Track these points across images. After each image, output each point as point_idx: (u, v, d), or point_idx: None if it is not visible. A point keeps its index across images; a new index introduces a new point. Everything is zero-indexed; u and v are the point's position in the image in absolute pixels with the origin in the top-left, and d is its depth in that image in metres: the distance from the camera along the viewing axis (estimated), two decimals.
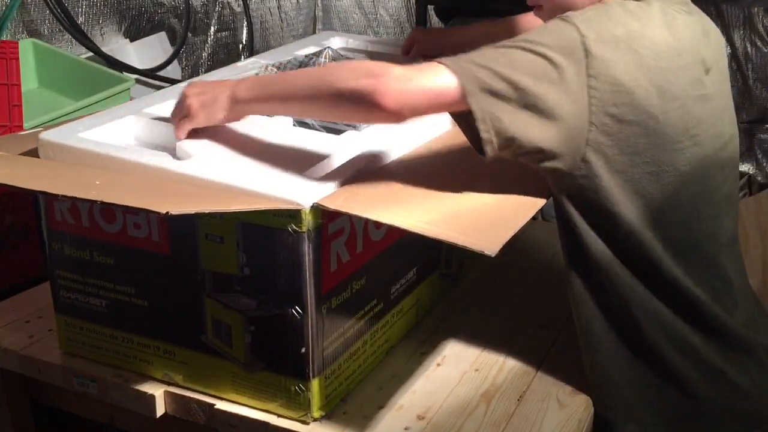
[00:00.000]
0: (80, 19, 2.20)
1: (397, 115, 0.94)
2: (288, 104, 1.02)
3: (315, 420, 1.04)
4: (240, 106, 1.05)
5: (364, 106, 0.93)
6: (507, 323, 1.33)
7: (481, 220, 0.94)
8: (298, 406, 1.03)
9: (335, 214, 0.98)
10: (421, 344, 1.25)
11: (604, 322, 1.06)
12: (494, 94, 0.93)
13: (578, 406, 1.10)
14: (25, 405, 1.28)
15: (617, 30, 0.96)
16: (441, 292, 1.40)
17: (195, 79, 1.35)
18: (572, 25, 0.96)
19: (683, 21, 1.02)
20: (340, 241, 1.02)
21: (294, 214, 0.94)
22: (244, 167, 1.03)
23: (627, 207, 1.00)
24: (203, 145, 1.07)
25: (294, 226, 0.95)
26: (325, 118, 1.04)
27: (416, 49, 1.46)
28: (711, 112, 1.03)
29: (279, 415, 1.05)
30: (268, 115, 1.13)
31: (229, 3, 2.76)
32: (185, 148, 1.06)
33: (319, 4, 3.23)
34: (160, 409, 1.10)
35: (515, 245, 1.37)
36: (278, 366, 1.03)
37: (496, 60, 0.94)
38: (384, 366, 1.19)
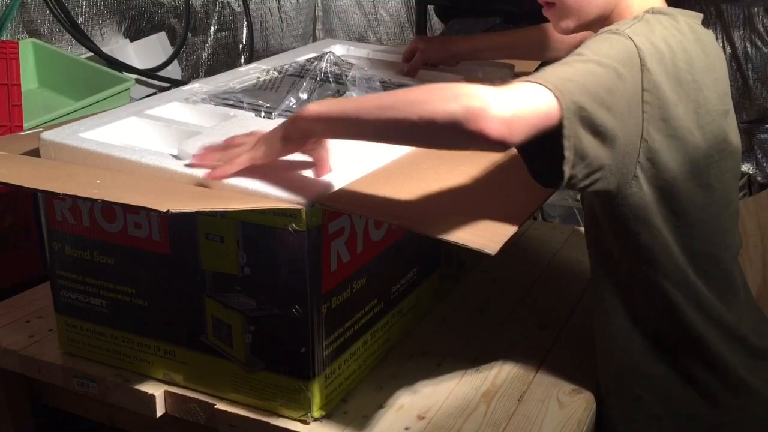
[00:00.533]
0: (80, 19, 2.20)
1: (503, 143, 0.83)
2: (363, 132, 0.92)
3: (315, 420, 1.04)
4: (305, 123, 0.93)
5: (464, 134, 0.82)
6: (507, 323, 1.33)
7: (481, 220, 0.94)
8: (299, 406, 1.04)
9: (335, 214, 0.98)
10: (421, 344, 1.25)
11: (626, 321, 1.06)
12: (584, 111, 0.88)
13: (578, 406, 1.10)
14: (25, 405, 1.28)
15: (661, 44, 0.96)
16: (441, 292, 1.40)
17: (185, 89, 1.30)
18: (626, 38, 0.94)
19: (707, 36, 1.03)
20: (340, 240, 1.03)
21: (294, 214, 0.94)
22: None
23: (661, 219, 1.00)
24: (204, 145, 1.07)
25: (294, 226, 0.95)
26: (412, 145, 0.95)
27: (418, 57, 1.46)
28: (732, 125, 1.05)
29: (279, 415, 1.05)
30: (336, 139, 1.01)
31: (229, 3, 2.77)
32: (185, 149, 1.06)
33: (319, 4, 3.24)
34: (160, 409, 1.10)
35: (515, 245, 1.38)
36: (278, 366, 1.03)
37: (582, 74, 0.89)
38: (384, 366, 1.19)
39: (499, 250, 0.84)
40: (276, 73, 1.37)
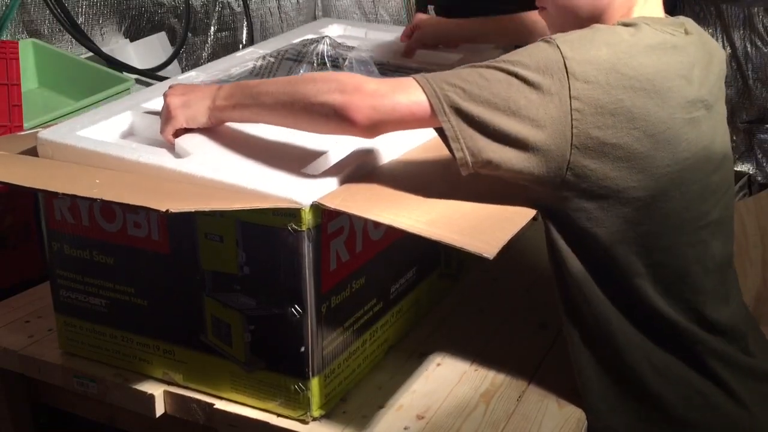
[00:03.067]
0: (80, 19, 2.20)
1: (369, 131, 0.96)
2: (263, 115, 1.04)
3: (314, 419, 1.04)
4: (219, 113, 1.06)
5: (336, 120, 0.95)
6: (507, 323, 1.33)
7: (480, 222, 0.94)
8: (298, 406, 1.04)
9: (334, 213, 0.98)
10: (421, 344, 1.25)
11: (582, 346, 1.06)
12: (466, 115, 0.93)
13: (577, 406, 1.09)
14: (25, 405, 1.28)
15: (601, 51, 0.95)
16: (441, 292, 1.39)
17: (180, 77, 1.35)
18: (554, 46, 0.95)
19: (674, 43, 1.00)
20: (339, 240, 1.03)
21: (294, 213, 0.94)
22: (242, 165, 1.03)
23: (607, 230, 0.99)
24: (201, 141, 1.07)
25: (294, 225, 0.95)
26: (299, 129, 1.04)
27: (417, 35, 1.45)
28: (702, 135, 1.01)
29: (278, 415, 1.05)
30: (245, 122, 1.12)
31: (229, 3, 2.76)
32: (183, 145, 1.06)
33: (319, 5, 3.24)
34: (159, 409, 1.10)
35: (515, 245, 1.37)
36: (278, 365, 1.03)
37: (470, 80, 0.94)
38: (384, 366, 1.19)
39: (497, 254, 0.84)
40: (272, 59, 1.36)
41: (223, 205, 0.93)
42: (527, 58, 0.95)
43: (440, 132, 0.96)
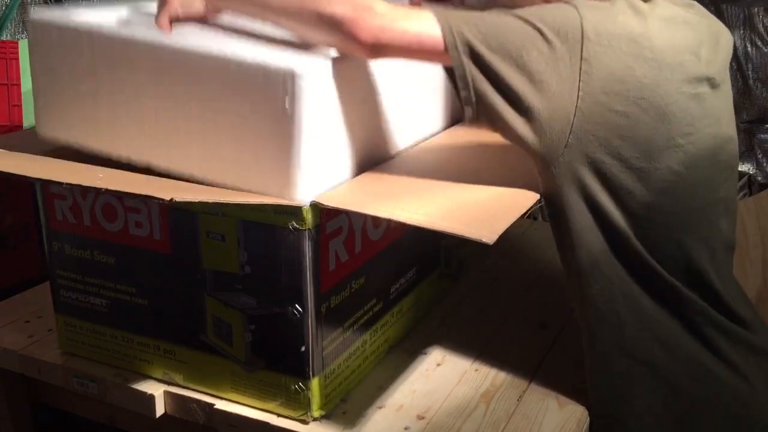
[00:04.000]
0: None
1: (372, 51, 0.94)
2: (265, 12, 1.01)
3: (315, 419, 1.04)
4: (217, 1, 1.05)
5: (341, 34, 0.93)
6: (507, 323, 1.33)
7: (478, 212, 0.94)
8: (298, 406, 1.04)
9: (333, 213, 0.98)
10: (420, 344, 1.25)
11: (595, 324, 1.05)
12: (478, 57, 0.92)
13: (578, 405, 1.10)
14: (25, 405, 1.28)
15: (618, 18, 0.95)
16: (441, 292, 1.40)
17: None
18: (573, 7, 0.95)
19: (686, 19, 1.01)
20: (338, 240, 1.03)
21: (295, 212, 0.94)
22: (238, 42, 1.03)
23: (607, 201, 0.98)
24: (196, 29, 1.08)
25: (295, 224, 0.95)
26: (300, 35, 1.02)
27: None
28: (707, 112, 1.01)
29: (279, 415, 1.05)
30: (244, 16, 1.10)
31: None
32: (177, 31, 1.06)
33: None
34: (159, 409, 1.10)
35: (515, 245, 1.38)
36: (278, 365, 1.03)
37: (489, 24, 0.93)
38: (384, 366, 1.19)
39: (496, 241, 0.84)
40: None
41: (227, 198, 0.94)
42: (548, 15, 0.95)
43: (448, 71, 0.96)
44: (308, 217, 0.95)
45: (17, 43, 1.77)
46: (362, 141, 1.07)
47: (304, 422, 1.04)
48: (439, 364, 1.20)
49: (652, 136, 0.96)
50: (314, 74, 0.94)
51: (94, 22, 1.08)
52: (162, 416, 1.11)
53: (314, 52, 1.00)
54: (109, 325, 1.14)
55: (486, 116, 0.96)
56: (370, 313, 1.14)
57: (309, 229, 0.95)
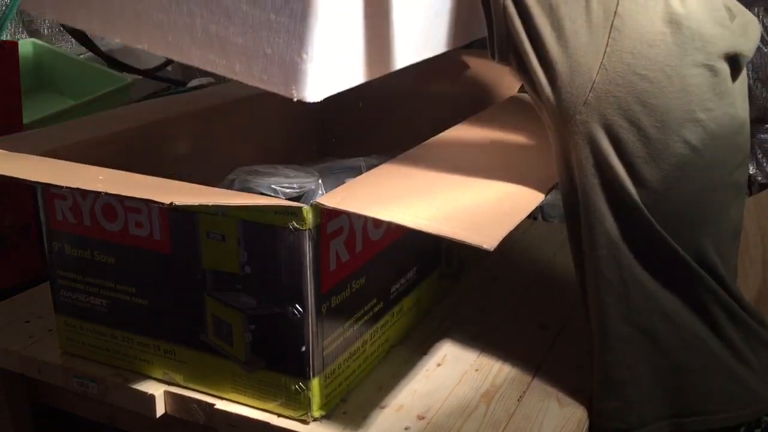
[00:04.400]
0: None
1: None
2: None
3: (315, 419, 1.04)
4: None
5: None
6: (507, 323, 1.33)
7: (480, 216, 0.94)
8: (298, 406, 1.03)
9: (334, 213, 0.98)
10: (421, 344, 1.25)
11: (606, 297, 1.02)
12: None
13: (578, 405, 1.10)
14: (25, 405, 1.28)
15: None
16: (441, 292, 1.40)
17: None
18: None
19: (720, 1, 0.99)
20: (339, 240, 1.03)
21: (295, 212, 0.94)
22: None
23: (619, 167, 0.96)
24: None
25: (295, 224, 0.95)
26: None
27: None
28: (729, 91, 0.98)
29: (279, 415, 1.05)
30: None
31: None
32: None
33: None
34: (160, 409, 1.10)
35: (515, 245, 1.38)
36: (278, 365, 1.03)
37: None
38: (384, 366, 1.19)
39: (497, 245, 0.84)
40: None
41: (227, 200, 0.93)
42: None
43: (484, 4, 0.94)
44: (309, 217, 0.95)
45: (17, 43, 1.77)
46: (374, 39, 1.02)
47: (305, 422, 1.04)
48: (439, 364, 1.20)
49: (673, 106, 0.93)
50: None
51: None
52: (162, 416, 1.11)
53: None
54: (109, 325, 1.14)
55: (513, 57, 0.93)
56: (371, 313, 1.14)
57: (309, 229, 0.95)
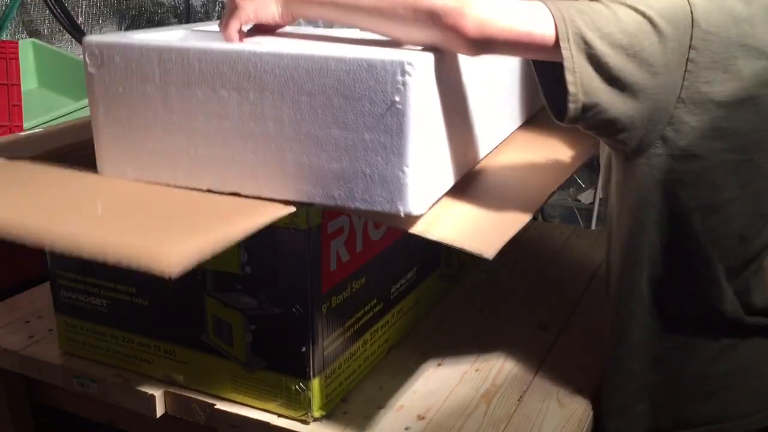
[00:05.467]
0: (80, 19, 2.20)
1: (476, 46, 0.86)
2: (350, 12, 0.92)
3: (315, 420, 1.04)
4: (295, 5, 0.95)
5: (441, 28, 0.85)
6: (507, 323, 1.33)
7: (479, 222, 0.94)
8: (299, 406, 1.04)
9: (334, 213, 0.98)
10: (421, 344, 1.25)
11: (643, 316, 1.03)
12: (589, 47, 0.86)
13: (578, 406, 1.10)
14: (25, 405, 1.28)
15: (726, 3, 0.91)
16: (441, 292, 1.40)
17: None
18: None
19: None
20: (339, 240, 1.03)
21: (296, 212, 0.94)
22: (328, 44, 0.95)
23: (690, 193, 0.95)
24: (267, 39, 1.01)
25: (296, 224, 0.95)
26: (392, 34, 0.92)
27: None
28: None
29: (279, 415, 1.05)
30: (325, 22, 1.02)
31: None
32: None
33: None
34: (160, 409, 1.10)
35: (515, 245, 1.37)
36: (279, 365, 1.03)
37: (600, 13, 0.87)
38: (384, 366, 1.19)
39: (496, 254, 0.84)
40: None
41: (224, 236, 0.82)
42: (656, 1, 0.90)
43: (543, 67, 0.92)
44: (309, 217, 0.94)
45: (17, 43, 1.77)
46: (461, 144, 1.02)
47: (305, 422, 1.04)
48: (439, 364, 1.20)
49: (748, 129, 0.93)
50: (422, 65, 0.84)
51: (160, 38, 1.00)
52: (162, 416, 1.11)
53: (408, 48, 0.92)
54: (110, 325, 1.14)
55: (588, 112, 0.89)
56: (371, 313, 1.14)
57: (310, 229, 0.95)
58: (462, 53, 0.91)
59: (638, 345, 1.04)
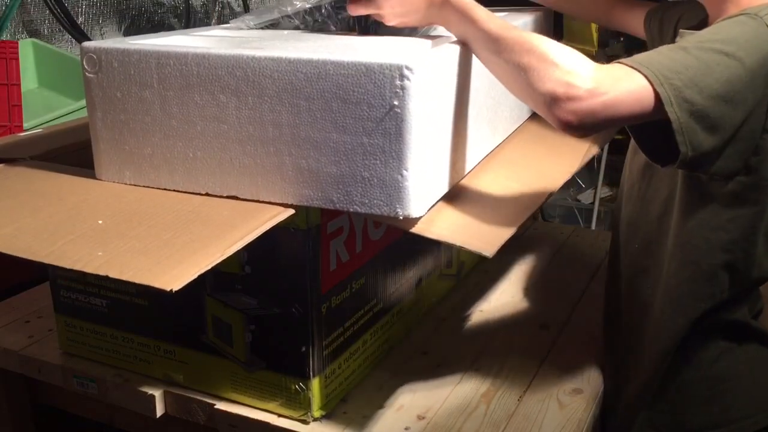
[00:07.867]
0: (80, 19, 2.20)
1: (578, 131, 0.86)
2: (483, 54, 0.94)
3: (315, 419, 1.04)
4: (444, 11, 0.97)
5: (547, 108, 0.86)
6: (507, 323, 1.33)
7: (479, 221, 0.94)
8: (299, 406, 1.04)
9: (334, 213, 0.98)
10: (421, 344, 1.25)
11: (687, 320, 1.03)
12: (691, 105, 0.85)
13: (578, 406, 1.10)
14: (25, 405, 1.28)
15: None
16: (441, 292, 1.40)
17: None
18: (760, 21, 0.90)
19: None
20: (339, 240, 1.03)
21: (295, 212, 0.94)
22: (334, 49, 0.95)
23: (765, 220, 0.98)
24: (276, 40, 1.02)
25: (296, 224, 0.95)
26: (506, 85, 0.93)
27: None
28: None
29: (279, 415, 1.05)
30: (458, 39, 0.99)
31: (229, 3, 2.77)
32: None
33: None
34: (160, 409, 1.10)
35: (515, 245, 1.37)
36: (278, 365, 1.03)
37: (690, 66, 0.87)
38: (384, 366, 1.19)
39: (496, 252, 0.84)
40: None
41: (224, 249, 0.83)
42: (739, 36, 0.89)
43: (643, 128, 0.92)
44: (309, 217, 0.94)
45: (17, 43, 1.77)
46: (460, 146, 1.03)
47: (305, 422, 1.04)
48: (439, 364, 1.20)
49: None
50: (421, 69, 0.84)
51: (159, 43, 0.99)
52: (162, 416, 1.11)
53: (413, 50, 0.93)
54: (109, 326, 1.14)
55: (692, 163, 0.90)
56: (371, 313, 1.14)
57: (309, 229, 0.95)
58: (563, 132, 0.89)
59: (643, 350, 1.04)
